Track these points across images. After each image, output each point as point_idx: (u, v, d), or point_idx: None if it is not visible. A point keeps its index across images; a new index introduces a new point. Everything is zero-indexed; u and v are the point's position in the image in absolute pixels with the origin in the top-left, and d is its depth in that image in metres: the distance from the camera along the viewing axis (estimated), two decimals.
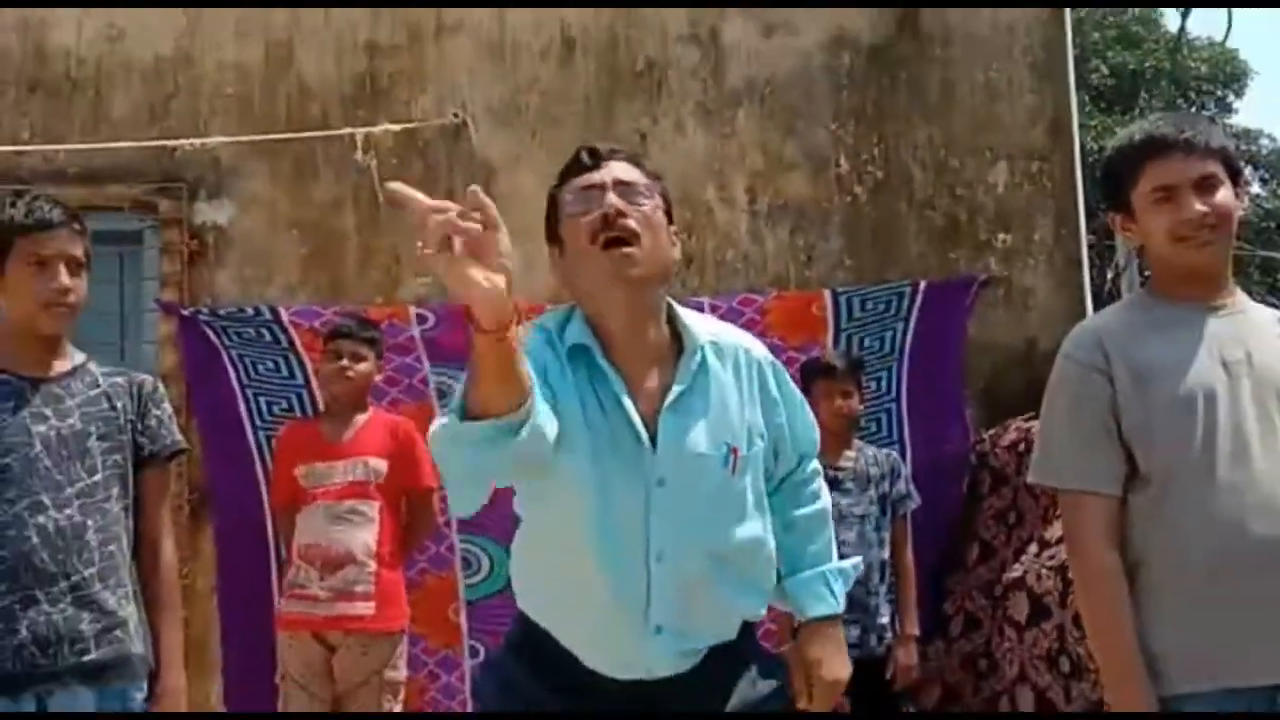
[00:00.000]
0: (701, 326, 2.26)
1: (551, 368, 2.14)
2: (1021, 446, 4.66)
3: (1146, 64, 19.41)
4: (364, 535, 4.29)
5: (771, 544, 2.30)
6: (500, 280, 1.81)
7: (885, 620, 4.32)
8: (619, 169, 2.21)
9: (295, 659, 4.34)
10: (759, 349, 2.36)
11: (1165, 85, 19.49)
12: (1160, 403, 2.35)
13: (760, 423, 2.30)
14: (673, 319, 2.26)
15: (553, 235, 2.28)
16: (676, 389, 2.18)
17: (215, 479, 4.92)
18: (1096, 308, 5.11)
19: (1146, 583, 2.34)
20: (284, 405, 4.79)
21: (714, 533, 2.20)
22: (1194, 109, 19.28)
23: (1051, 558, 4.03)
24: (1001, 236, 5.15)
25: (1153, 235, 2.42)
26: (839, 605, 2.39)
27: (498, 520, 4.71)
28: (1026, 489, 4.58)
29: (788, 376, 2.41)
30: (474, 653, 4.76)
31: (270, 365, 4.85)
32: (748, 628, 2.30)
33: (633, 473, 2.15)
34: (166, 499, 2.82)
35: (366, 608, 4.26)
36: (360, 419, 4.45)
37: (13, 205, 2.64)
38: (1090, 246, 5.54)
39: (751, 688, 2.26)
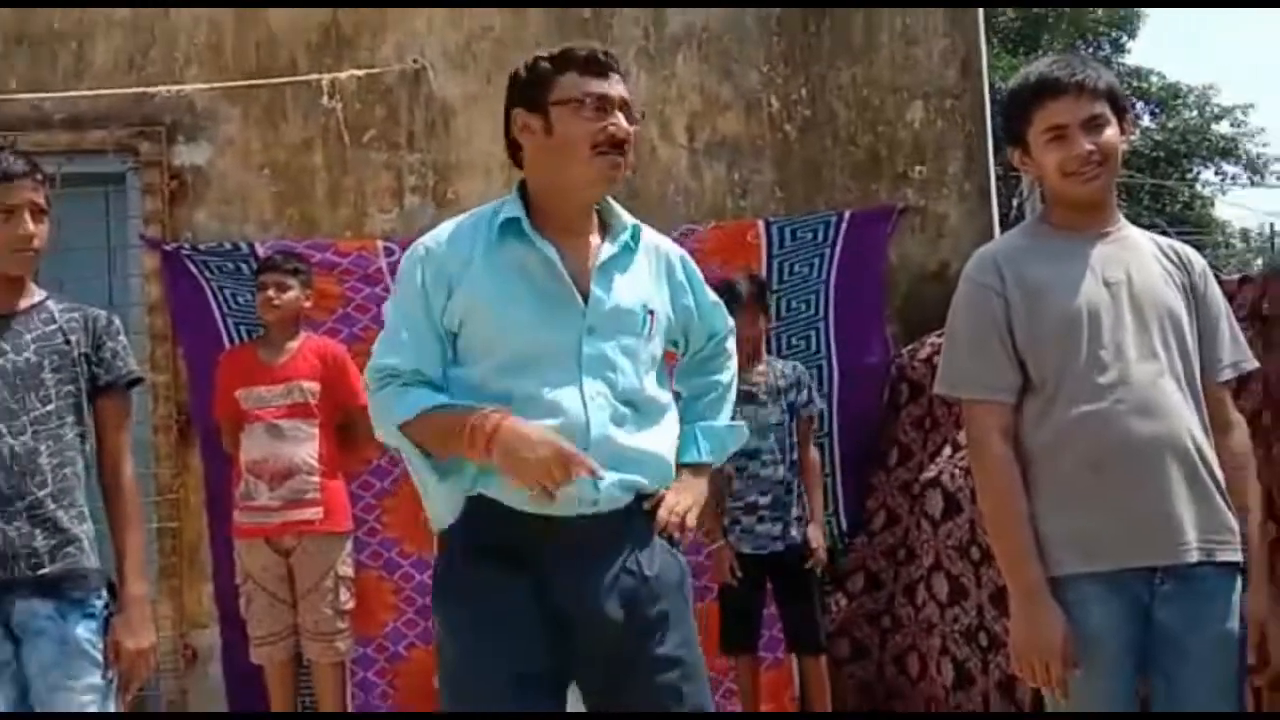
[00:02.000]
0: (629, 217, 2.36)
1: (477, 250, 2.24)
2: (936, 359, 4.71)
3: (1048, 9, 19.45)
4: (305, 450, 4.41)
5: (674, 410, 2.39)
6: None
7: (799, 514, 4.42)
8: (620, 88, 2.28)
9: (253, 563, 4.46)
10: (671, 245, 2.46)
11: (1066, 27, 19.55)
12: (1049, 319, 2.40)
13: (668, 304, 2.38)
14: (602, 207, 2.35)
15: (535, 104, 2.30)
16: (608, 252, 2.28)
17: (198, 401, 4.89)
18: (1004, 232, 5.16)
19: (1037, 478, 2.39)
20: (261, 332, 4.76)
21: (631, 380, 2.27)
22: (1090, 50, 19.34)
23: (963, 459, 4.09)
24: (918, 169, 5.17)
25: (1045, 170, 2.45)
26: (702, 457, 2.43)
27: None
28: (941, 398, 4.65)
29: (695, 268, 2.48)
30: None
31: (248, 296, 4.80)
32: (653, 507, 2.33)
33: (567, 322, 2.23)
34: (125, 424, 2.76)
35: (315, 513, 4.41)
36: (292, 345, 4.52)
37: None
38: (998, 177, 5.57)
39: (668, 555, 2.31)
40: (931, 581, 4.11)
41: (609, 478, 2.19)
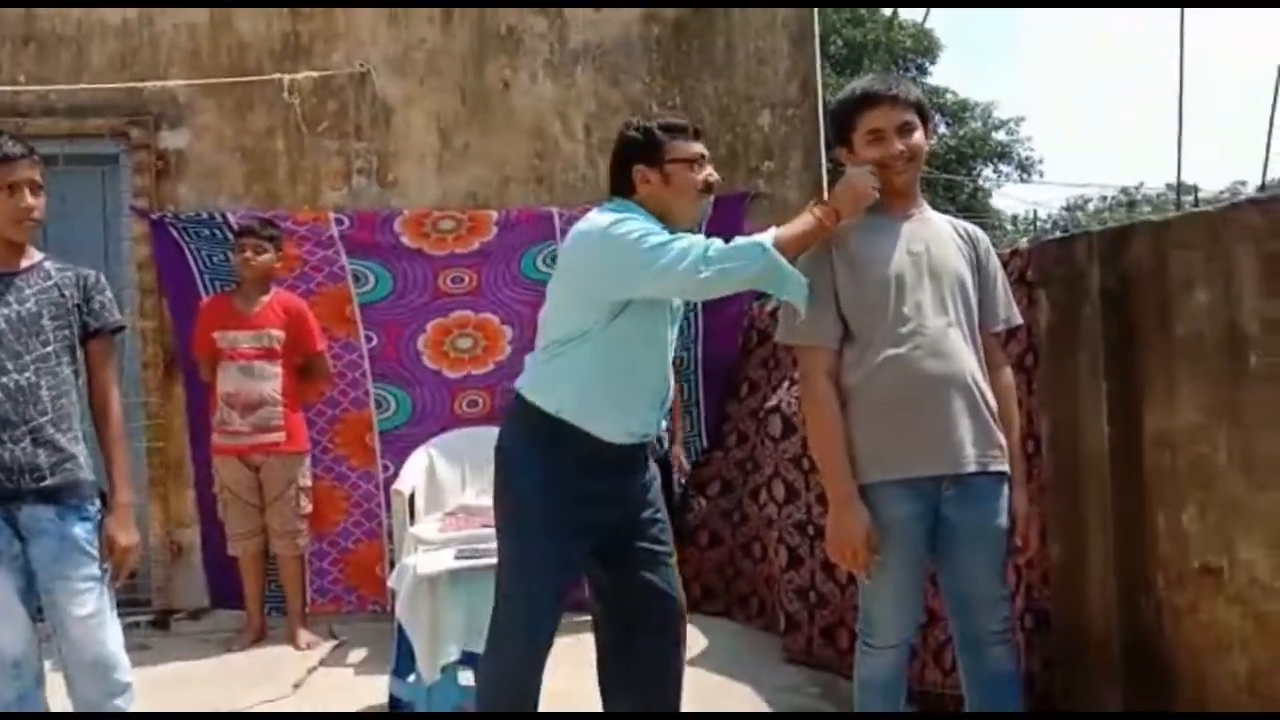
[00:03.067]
0: None
1: None
2: (779, 313, 4.75)
3: (870, 38, 19.61)
4: (271, 385, 4.37)
5: None
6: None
7: (666, 434, 4.50)
8: (702, 147, 2.58)
9: (229, 476, 4.42)
10: None
11: (881, 54, 19.75)
12: (866, 283, 2.42)
13: None
14: None
15: (652, 160, 2.53)
16: None
17: (180, 343, 4.74)
18: None
19: (852, 409, 2.43)
20: (231, 287, 4.61)
21: (669, 364, 2.61)
22: (900, 71, 19.59)
23: (798, 391, 4.15)
24: (766, 163, 5.19)
25: (866, 162, 2.47)
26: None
27: (401, 372, 4.75)
28: (782, 344, 4.70)
29: None
30: (385, 468, 4.73)
31: (221, 257, 4.65)
32: None
33: (666, 318, 2.56)
34: (112, 363, 2.68)
35: (279, 436, 4.39)
36: (264, 298, 4.44)
37: None
38: (828, 170, 5.61)
39: (657, 481, 2.69)
40: (771, 486, 4.17)
41: (657, 419, 2.59)
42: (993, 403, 2.44)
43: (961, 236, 2.52)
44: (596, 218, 2.47)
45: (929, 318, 2.39)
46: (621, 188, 2.54)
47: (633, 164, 2.51)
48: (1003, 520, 2.43)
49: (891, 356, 2.38)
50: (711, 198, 2.57)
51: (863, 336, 2.42)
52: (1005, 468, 2.44)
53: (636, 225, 2.39)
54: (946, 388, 2.37)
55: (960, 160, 21.83)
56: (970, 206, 21.40)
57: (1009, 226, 25.80)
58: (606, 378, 2.44)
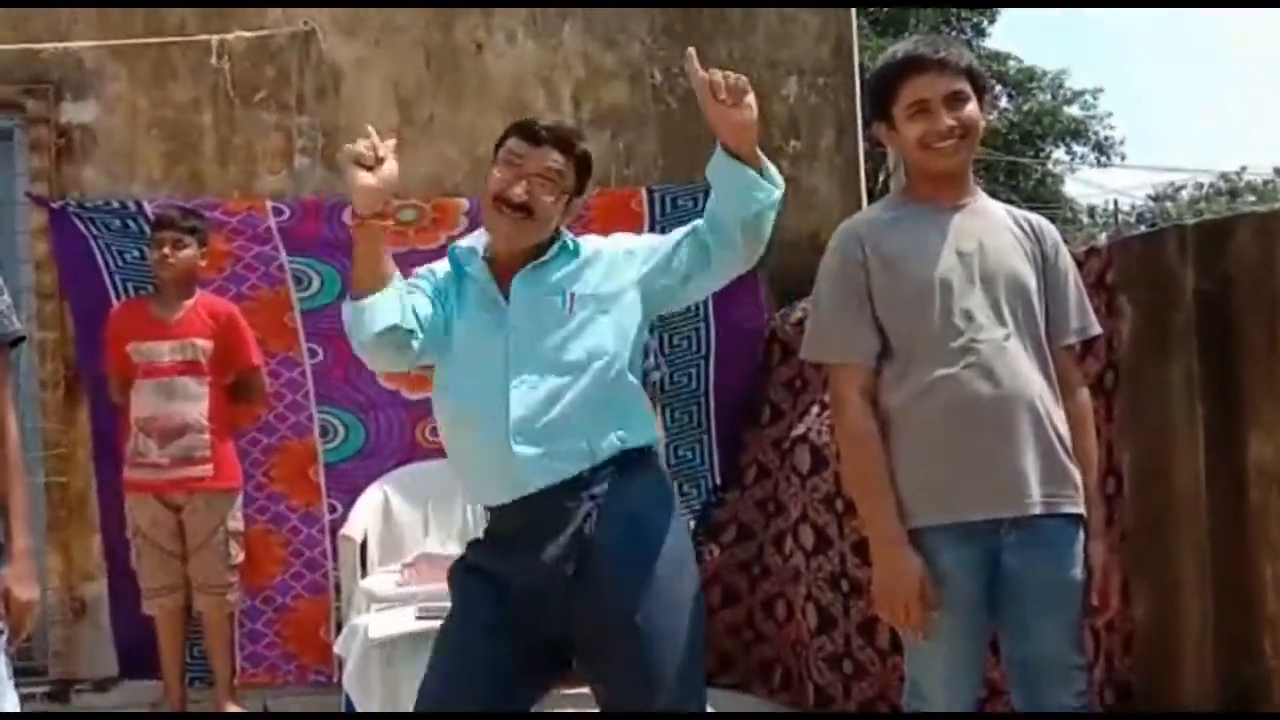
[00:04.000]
0: (567, 234, 2.48)
1: (442, 280, 2.47)
2: (806, 323, 4.76)
3: None
4: (196, 408, 4.39)
5: (624, 362, 2.41)
6: (371, 182, 2.26)
7: None
8: (547, 156, 2.39)
9: (143, 517, 4.44)
10: (613, 239, 2.54)
11: (930, 11, 19.82)
12: (905, 287, 2.43)
13: (627, 279, 2.45)
14: (555, 236, 2.46)
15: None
16: (529, 265, 2.42)
17: (85, 357, 4.75)
18: (870, 204, 5.23)
19: (894, 436, 2.43)
20: (148, 289, 4.62)
21: (558, 353, 2.36)
22: (953, 33, 19.67)
23: (829, 418, 4.15)
24: (792, 143, 5.20)
25: (908, 143, 2.48)
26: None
27: (350, 393, 4.75)
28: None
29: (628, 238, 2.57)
30: (332, 509, 4.73)
31: (136, 254, 4.67)
32: (643, 466, 2.41)
33: (495, 329, 2.38)
34: (8, 381, 2.65)
35: (205, 470, 4.40)
36: (187, 303, 4.47)
37: None
38: (866, 151, 5.62)
39: (637, 540, 2.34)
40: (799, 532, 4.17)
41: (532, 452, 2.30)
42: (1065, 431, 2.44)
43: (1024, 230, 2.52)
44: None
45: (983, 329, 2.39)
46: None
47: None
48: (1077, 573, 2.42)
49: (939, 377, 2.39)
50: (517, 216, 2.37)
51: (903, 351, 2.43)
52: (1080, 510, 2.43)
53: None
54: (1006, 413, 2.37)
55: (1025, 140, 21.89)
56: (1038, 195, 21.46)
57: (1085, 219, 25.87)
58: (448, 438, 2.52)
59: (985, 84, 2.52)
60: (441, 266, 2.51)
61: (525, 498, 2.32)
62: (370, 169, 2.27)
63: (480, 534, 2.54)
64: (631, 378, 2.44)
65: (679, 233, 2.48)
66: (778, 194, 2.35)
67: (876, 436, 2.42)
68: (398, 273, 2.35)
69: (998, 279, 2.43)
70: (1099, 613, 2.51)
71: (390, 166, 2.29)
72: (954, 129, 2.42)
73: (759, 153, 2.33)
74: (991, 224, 2.50)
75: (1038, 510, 2.38)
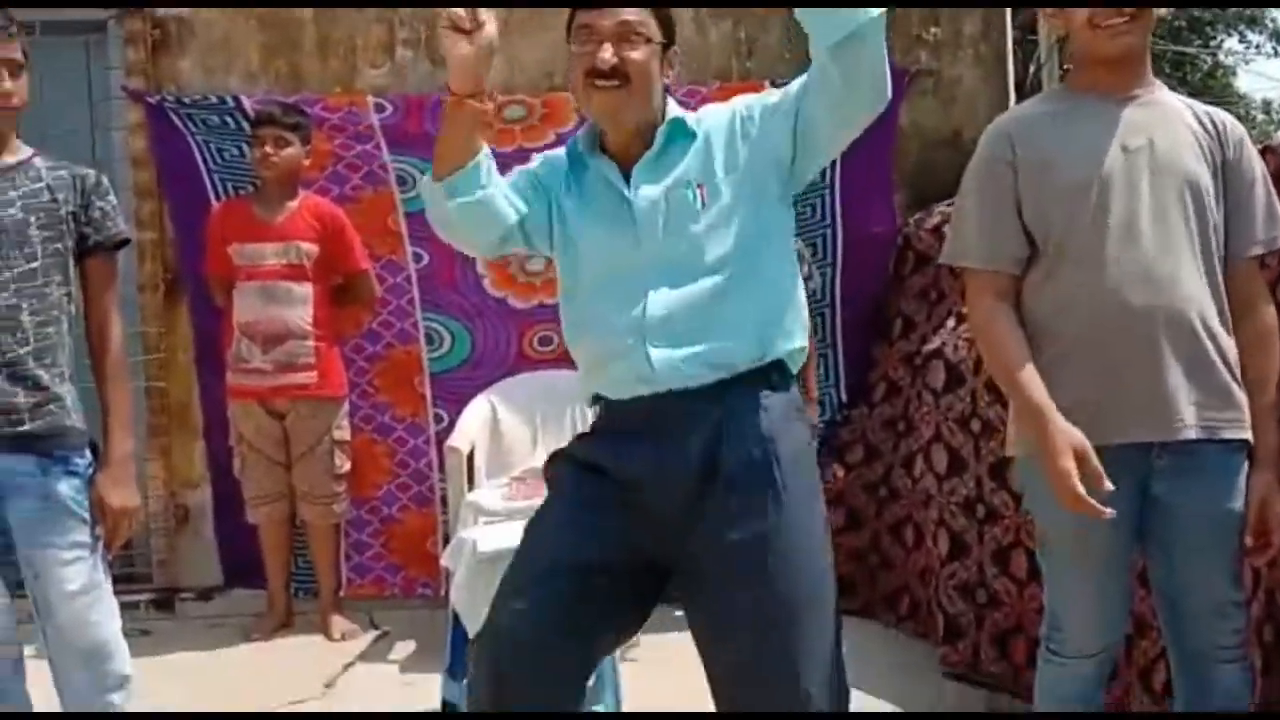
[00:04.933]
0: (679, 110, 2.37)
1: (559, 169, 2.41)
2: (944, 229, 4.67)
3: None
4: (299, 312, 4.43)
5: (769, 254, 2.32)
6: (470, 54, 2.17)
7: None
8: (618, 11, 2.29)
9: (247, 425, 4.52)
10: (728, 107, 2.40)
11: None
12: (1058, 187, 2.38)
13: (756, 150, 2.32)
14: (664, 112, 2.36)
15: (567, 36, 2.37)
16: (648, 155, 2.32)
17: (185, 259, 4.87)
18: (1019, 99, 5.08)
19: (1038, 348, 2.39)
20: (248, 189, 4.71)
21: (696, 253, 2.26)
22: None
23: (967, 331, 4.09)
24: (932, 30, 5.06)
25: (1074, 21, 2.40)
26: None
27: (457, 300, 4.80)
28: (949, 269, 4.63)
29: (742, 101, 2.41)
30: (438, 420, 4.83)
31: (235, 151, 4.76)
32: (784, 381, 2.31)
33: (625, 226, 2.30)
34: (114, 284, 2.75)
35: (309, 377, 4.45)
36: (291, 204, 4.51)
37: None
38: (1015, 41, 5.45)
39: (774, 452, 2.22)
40: (930, 453, 4.14)
41: (667, 354, 2.22)
42: (1230, 351, 2.38)
43: (1205, 128, 2.42)
44: None
45: (1145, 234, 2.34)
46: None
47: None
48: (1237, 505, 2.37)
49: (1088, 284, 2.35)
50: (611, 83, 2.26)
51: (1052, 255, 2.39)
52: (1245, 435, 2.37)
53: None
54: (1160, 326, 2.32)
55: (1193, 28, 20.99)
56: (1207, 88, 20.60)
57: (1259, 115, 24.79)
58: (579, 335, 2.40)
59: None
60: (555, 157, 2.45)
61: (656, 394, 2.23)
62: (469, 34, 2.16)
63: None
64: (782, 272, 2.35)
65: (795, 84, 2.30)
66: (871, 15, 2.09)
67: (1014, 330, 2.39)
68: (487, 152, 2.31)
69: (1168, 180, 2.35)
70: (1260, 551, 2.43)
71: (491, 30, 2.17)
72: (1125, 7, 2.33)
73: None
74: (1166, 118, 2.41)
75: (1192, 434, 2.33)
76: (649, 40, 2.29)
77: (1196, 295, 2.35)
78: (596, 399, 2.38)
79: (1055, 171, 2.38)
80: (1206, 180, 2.38)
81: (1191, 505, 2.36)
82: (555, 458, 2.43)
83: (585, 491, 2.31)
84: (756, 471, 2.20)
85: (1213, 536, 2.38)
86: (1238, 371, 2.39)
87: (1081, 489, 2.23)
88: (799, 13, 2.15)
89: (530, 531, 2.36)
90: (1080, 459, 2.26)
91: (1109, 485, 2.23)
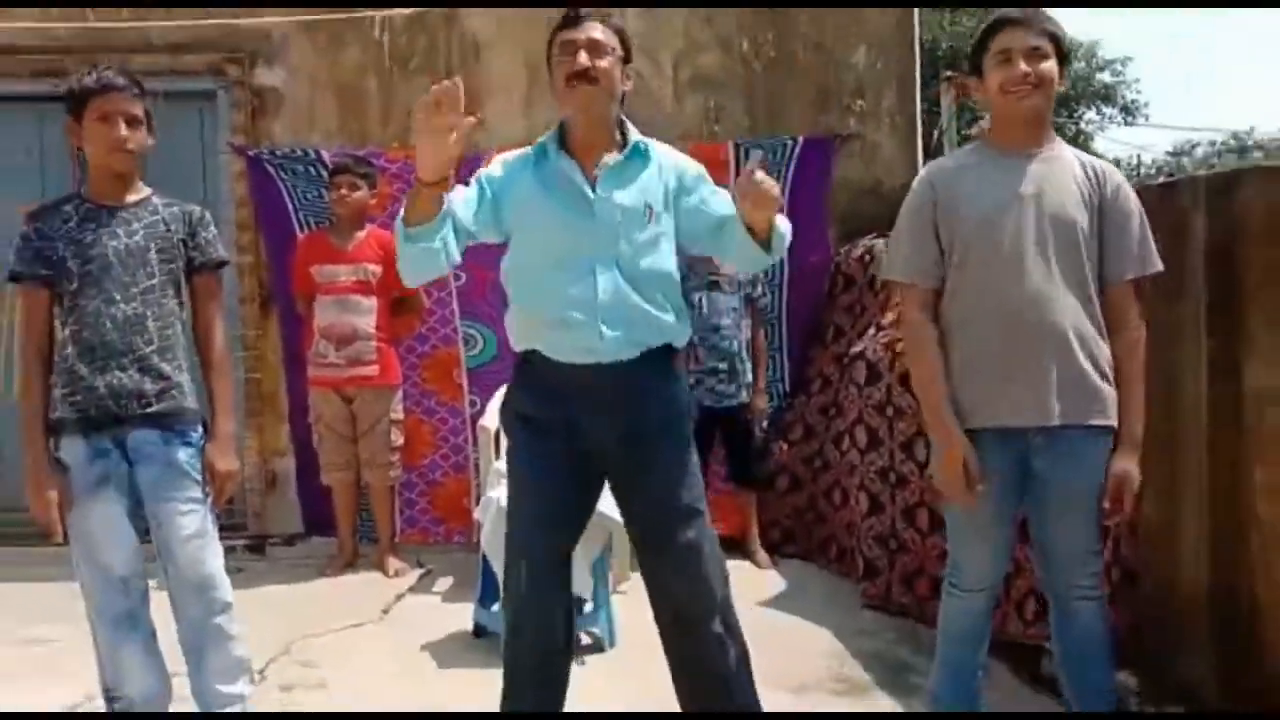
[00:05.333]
0: (640, 136, 2.42)
1: (518, 166, 2.38)
2: (866, 258, 4.70)
3: None
4: (366, 320, 4.43)
5: (677, 277, 2.43)
6: (441, 153, 2.07)
7: (749, 380, 4.50)
8: (591, 29, 2.33)
9: (325, 408, 4.52)
10: (678, 159, 2.47)
11: None
12: (966, 221, 2.38)
13: (672, 198, 2.41)
14: (624, 131, 2.41)
15: (550, 68, 2.39)
16: (613, 161, 2.37)
17: (275, 278, 4.87)
18: (926, 158, 5.09)
19: (949, 348, 2.41)
20: (326, 223, 4.71)
21: (637, 257, 2.34)
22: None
23: (884, 337, 4.11)
24: (859, 103, 5.06)
25: (990, 88, 2.39)
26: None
27: (488, 310, 4.81)
28: (869, 288, 4.64)
29: (694, 167, 2.48)
30: (472, 404, 4.83)
31: (315, 194, 4.76)
32: (668, 358, 2.41)
33: (584, 216, 2.32)
34: (217, 297, 2.73)
35: (373, 370, 4.45)
36: (360, 234, 4.50)
37: (87, 74, 2.54)
38: (923, 111, 5.45)
39: (667, 402, 2.39)
40: (854, 433, 4.15)
41: (611, 334, 2.29)
42: (1103, 357, 2.36)
43: (1088, 176, 2.40)
44: None
45: (1029, 265, 2.33)
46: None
47: (549, 74, 2.41)
48: (1099, 478, 2.37)
49: (986, 302, 2.35)
50: (585, 83, 2.29)
51: (961, 277, 2.39)
52: (1109, 423, 2.37)
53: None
54: (1041, 339, 2.32)
55: (1062, 102, 20.99)
56: None
57: None
58: (529, 300, 2.38)
59: (1065, 48, 2.39)
60: (518, 156, 2.41)
61: (599, 364, 2.31)
62: (446, 132, 2.05)
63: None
64: (675, 283, 2.43)
65: (725, 206, 2.37)
66: (773, 260, 2.33)
67: (933, 344, 2.41)
68: (446, 208, 2.19)
69: (1050, 222, 2.34)
70: (1113, 514, 2.43)
71: (456, 149, 2.07)
72: (1028, 77, 2.33)
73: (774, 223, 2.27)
74: (1057, 171, 2.39)
75: (1057, 422, 2.34)
76: (613, 52, 2.35)
77: (1071, 314, 2.33)
78: (529, 354, 2.40)
79: (963, 210, 2.38)
80: (1084, 222, 2.36)
81: (1061, 476, 2.37)
82: (505, 412, 2.50)
83: (536, 448, 2.40)
84: (660, 411, 2.39)
85: (1076, 501, 2.38)
86: (1110, 373, 2.37)
87: (963, 486, 2.34)
88: (736, 235, 2.26)
89: (517, 491, 2.44)
90: (966, 462, 2.33)
91: (982, 488, 2.34)
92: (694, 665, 2.40)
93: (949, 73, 6.04)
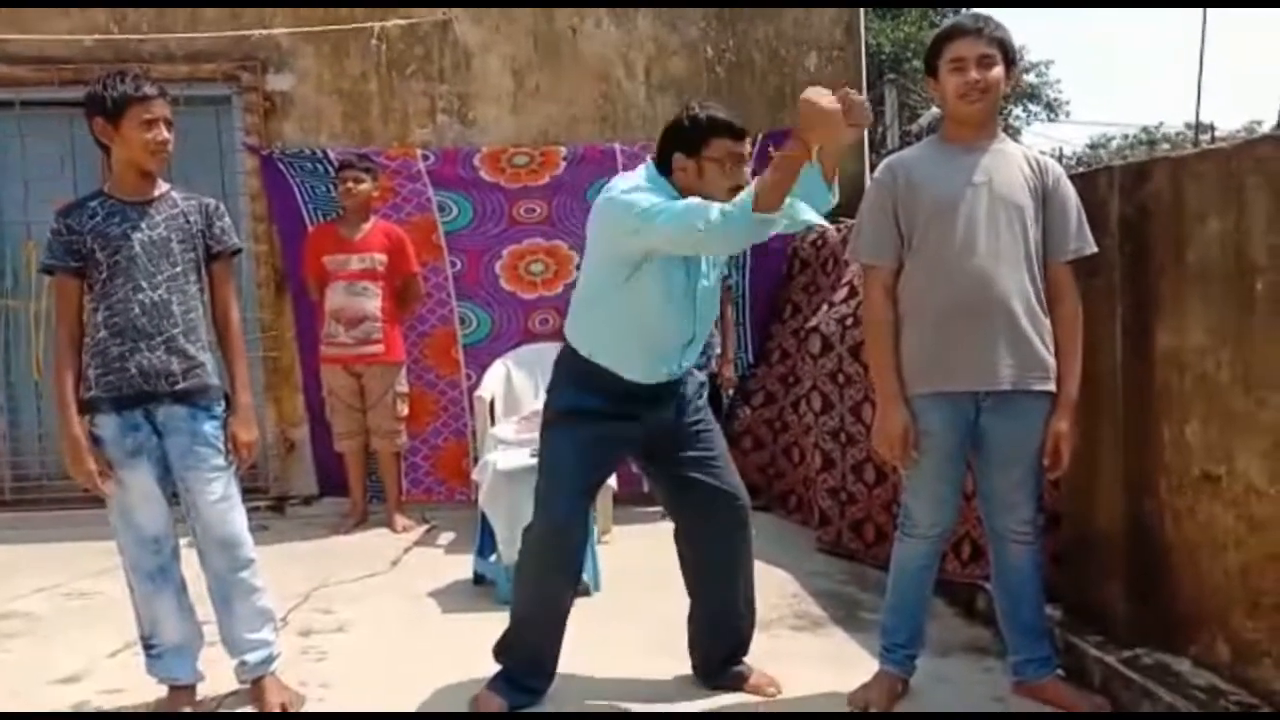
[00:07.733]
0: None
1: None
2: (819, 242, 4.70)
3: None
4: (373, 303, 4.40)
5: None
6: (842, 135, 2.15)
7: (718, 351, 4.51)
8: (745, 146, 2.42)
9: (335, 382, 4.49)
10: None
11: None
12: (922, 207, 2.37)
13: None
14: None
15: (690, 150, 2.39)
16: None
17: (288, 265, 4.82)
18: (872, 152, 5.08)
19: (903, 324, 2.41)
20: (334, 216, 4.65)
21: (707, 300, 2.54)
22: (940, 17, 18.76)
23: (836, 312, 4.11)
24: None
25: (945, 92, 2.38)
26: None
27: (481, 293, 4.78)
28: (822, 269, 4.64)
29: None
30: (469, 378, 4.80)
31: (324, 189, 4.70)
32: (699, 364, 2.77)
33: (686, 273, 2.45)
34: (231, 282, 2.68)
35: (379, 348, 4.43)
36: (365, 226, 4.46)
37: (122, 81, 2.48)
38: (872, 108, 5.43)
39: (700, 399, 2.64)
40: (810, 398, 4.16)
41: (686, 362, 2.54)
42: (1043, 326, 2.37)
43: (1032, 168, 2.40)
44: (616, 182, 2.41)
45: (980, 247, 2.33)
46: (663, 166, 2.43)
47: (674, 150, 2.40)
48: (1038, 436, 2.38)
49: (940, 280, 2.35)
50: (736, 193, 2.31)
51: (919, 256, 2.38)
52: (1049, 388, 2.38)
53: (641, 194, 2.31)
54: (988, 312, 2.32)
55: None
56: None
57: None
58: (634, 332, 2.42)
59: (1013, 56, 2.38)
60: None
61: (660, 382, 2.49)
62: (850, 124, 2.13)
63: (582, 385, 2.51)
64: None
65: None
66: (834, 200, 2.33)
67: (889, 322, 2.41)
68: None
69: (1000, 207, 2.34)
70: (1051, 469, 2.44)
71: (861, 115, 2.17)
72: (979, 84, 2.32)
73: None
74: (1005, 162, 2.39)
75: (1007, 386, 2.35)
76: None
77: (1017, 290, 2.33)
78: (599, 367, 2.46)
79: (920, 196, 2.37)
80: (1030, 208, 2.36)
81: (1006, 434, 2.38)
82: (559, 403, 2.56)
83: (587, 432, 2.50)
84: (695, 388, 2.63)
85: (1019, 456, 2.40)
86: (1051, 344, 2.38)
87: (898, 450, 2.40)
88: (806, 180, 2.25)
89: (561, 451, 2.53)
90: (905, 429, 2.38)
91: (915, 454, 2.41)
92: (728, 551, 2.61)
93: (890, 75, 6.02)
